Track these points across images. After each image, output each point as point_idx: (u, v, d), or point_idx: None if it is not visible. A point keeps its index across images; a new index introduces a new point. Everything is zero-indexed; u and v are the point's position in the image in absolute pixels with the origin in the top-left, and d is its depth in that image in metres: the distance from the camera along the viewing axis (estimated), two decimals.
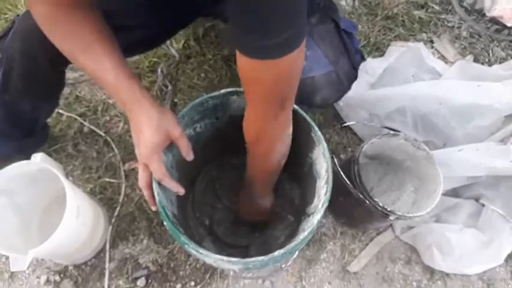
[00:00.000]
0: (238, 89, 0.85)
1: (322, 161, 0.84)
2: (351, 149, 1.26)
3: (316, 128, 0.83)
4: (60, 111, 1.25)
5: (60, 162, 1.18)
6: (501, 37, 1.45)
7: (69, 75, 1.30)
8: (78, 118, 1.24)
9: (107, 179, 1.17)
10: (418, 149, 1.00)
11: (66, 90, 1.27)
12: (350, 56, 0.92)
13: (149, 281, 1.07)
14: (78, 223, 0.94)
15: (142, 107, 0.70)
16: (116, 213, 1.13)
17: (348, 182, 0.93)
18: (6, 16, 1.43)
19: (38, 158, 1.07)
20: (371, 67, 1.32)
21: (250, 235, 1.06)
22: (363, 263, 1.11)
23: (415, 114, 1.19)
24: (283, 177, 1.12)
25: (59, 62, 0.83)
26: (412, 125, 1.21)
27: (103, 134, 1.22)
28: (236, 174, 1.04)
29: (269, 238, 1.04)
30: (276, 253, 0.72)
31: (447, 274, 1.11)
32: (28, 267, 1.05)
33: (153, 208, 0.77)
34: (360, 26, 1.47)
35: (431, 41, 1.46)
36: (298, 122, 0.87)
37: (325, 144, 0.82)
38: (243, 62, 0.58)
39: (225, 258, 0.71)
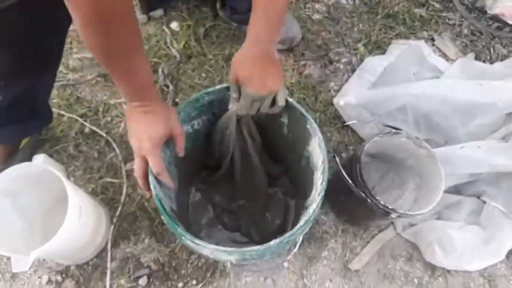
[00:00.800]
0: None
1: (318, 153, 0.85)
2: (352, 147, 1.25)
3: (312, 120, 0.84)
4: (61, 112, 1.25)
5: (62, 162, 1.19)
6: (502, 34, 1.45)
7: (70, 76, 1.30)
8: (79, 119, 1.24)
9: (109, 179, 1.18)
10: (420, 147, 0.99)
11: (67, 91, 1.28)
12: None
13: (151, 280, 1.08)
14: (80, 223, 0.94)
15: (157, 103, 0.77)
16: (117, 213, 1.13)
17: (350, 181, 0.93)
18: None
19: (40, 160, 1.07)
20: (372, 65, 1.32)
21: (250, 235, 1.06)
22: (364, 261, 1.11)
23: (416, 113, 1.19)
24: (281, 172, 1.13)
25: (62, 21, 0.83)
26: (413, 123, 1.21)
27: (104, 135, 1.23)
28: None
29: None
30: (272, 243, 0.72)
31: (448, 271, 1.12)
32: (30, 268, 1.06)
33: (148, 194, 0.79)
34: (360, 25, 1.47)
35: (433, 39, 1.46)
36: (294, 115, 0.88)
37: (320, 135, 0.83)
38: None
39: (221, 248, 0.71)
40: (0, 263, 1.10)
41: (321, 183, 0.81)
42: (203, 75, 1.33)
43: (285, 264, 1.10)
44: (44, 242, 0.84)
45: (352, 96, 1.23)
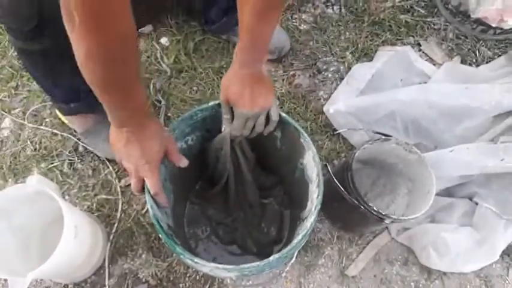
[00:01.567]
0: None
1: (312, 166, 0.86)
2: (343, 154, 1.27)
3: (305, 134, 0.85)
4: (55, 131, 1.26)
5: (56, 181, 1.19)
6: (487, 37, 1.47)
7: None
8: (72, 138, 1.25)
9: (104, 196, 1.18)
10: (410, 152, 1.01)
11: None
12: None
13: None
14: (77, 242, 0.94)
15: (153, 123, 0.77)
16: (114, 230, 1.14)
17: (342, 188, 0.94)
18: None
19: (34, 181, 1.08)
20: (360, 73, 1.33)
21: (246, 246, 1.07)
22: (361, 267, 1.12)
23: (404, 119, 1.20)
24: (276, 184, 1.14)
25: None
26: (402, 129, 1.23)
27: (99, 154, 1.23)
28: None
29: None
30: (271, 258, 0.73)
31: (444, 273, 1.13)
32: None
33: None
34: (347, 33, 1.49)
35: (419, 44, 1.48)
36: (287, 129, 0.89)
37: (314, 149, 0.84)
38: None
39: (220, 266, 0.72)
40: None
41: (317, 197, 0.81)
42: (194, 88, 1.34)
43: (283, 274, 1.11)
44: (41, 262, 0.84)
45: (341, 104, 1.25)
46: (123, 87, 0.66)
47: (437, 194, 1.12)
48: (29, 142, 1.25)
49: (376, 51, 1.43)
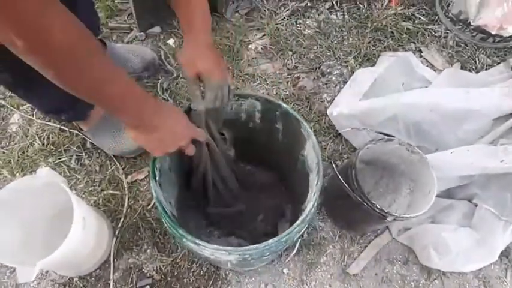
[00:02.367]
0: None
1: (313, 156, 0.88)
2: (346, 155, 1.29)
3: (305, 124, 0.87)
4: (63, 127, 1.28)
5: (64, 176, 1.21)
6: (486, 45, 1.51)
7: None
8: (80, 133, 1.27)
9: (110, 192, 1.20)
10: (412, 153, 1.03)
11: None
12: None
13: None
14: (84, 234, 0.96)
15: (172, 107, 0.78)
16: (119, 224, 1.15)
17: (346, 185, 0.96)
18: None
19: (44, 173, 1.10)
20: (362, 77, 1.36)
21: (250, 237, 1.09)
22: (362, 265, 1.14)
23: (406, 122, 1.23)
24: (277, 178, 1.16)
25: None
26: (404, 132, 1.25)
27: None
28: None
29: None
30: (271, 241, 0.74)
31: (444, 273, 1.14)
32: (33, 281, 1.07)
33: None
34: (350, 39, 1.52)
35: (420, 51, 1.52)
36: (288, 121, 0.91)
37: (314, 139, 0.86)
38: None
39: (221, 247, 0.73)
40: (3, 277, 1.11)
41: (316, 184, 0.83)
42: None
43: (285, 270, 1.13)
44: (46, 255, 0.85)
45: (344, 107, 1.27)
46: (107, 85, 0.62)
47: (438, 195, 1.14)
48: (37, 137, 1.27)
49: (378, 57, 1.47)
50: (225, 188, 1.03)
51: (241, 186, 1.07)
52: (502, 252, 1.12)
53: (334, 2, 1.60)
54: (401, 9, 1.58)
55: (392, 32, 1.53)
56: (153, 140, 0.75)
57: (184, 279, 1.11)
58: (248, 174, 1.18)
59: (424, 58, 1.50)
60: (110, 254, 1.12)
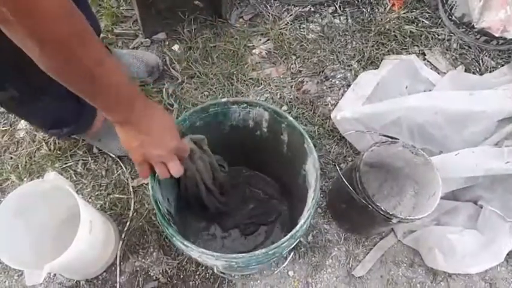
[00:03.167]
0: (238, 98, 0.91)
1: (312, 172, 0.87)
2: (350, 158, 1.30)
3: (309, 140, 0.87)
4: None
5: (70, 180, 1.22)
6: (490, 47, 1.51)
7: None
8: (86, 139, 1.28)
9: (117, 195, 1.21)
10: (417, 155, 1.03)
11: None
12: None
13: None
14: (91, 237, 0.97)
15: (164, 112, 0.76)
16: (126, 228, 1.16)
17: (350, 188, 0.96)
18: None
19: (51, 177, 1.11)
20: (366, 80, 1.37)
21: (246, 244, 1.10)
22: (368, 267, 1.14)
23: (410, 125, 1.23)
24: (276, 191, 1.18)
25: None
26: (408, 135, 1.25)
27: (112, 154, 1.27)
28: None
29: None
30: (257, 252, 0.74)
31: (450, 275, 1.14)
32: (41, 284, 1.08)
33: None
34: (354, 42, 1.53)
35: (423, 54, 1.52)
36: (293, 134, 0.92)
37: (315, 155, 0.85)
38: None
39: (207, 252, 0.73)
40: (11, 280, 1.12)
41: (312, 200, 0.82)
42: (205, 93, 1.38)
43: (290, 273, 1.13)
44: (53, 259, 0.86)
45: (347, 111, 1.27)
46: (90, 73, 0.59)
47: (443, 198, 1.14)
48: (44, 143, 1.29)
49: (381, 60, 1.47)
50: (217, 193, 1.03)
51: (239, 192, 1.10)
52: (508, 254, 1.12)
53: (337, 7, 1.61)
54: (404, 13, 1.58)
55: (395, 36, 1.54)
56: (135, 141, 0.73)
57: (190, 282, 1.11)
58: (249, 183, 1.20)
59: (428, 61, 1.50)
60: (116, 257, 1.13)
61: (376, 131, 1.24)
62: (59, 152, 1.27)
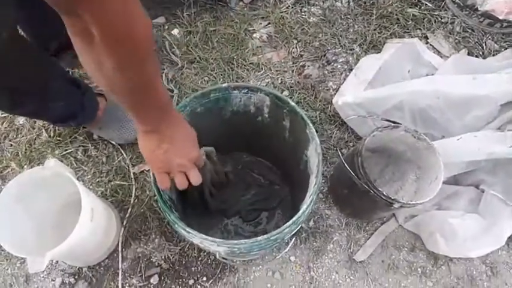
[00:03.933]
0: (240, 83, 0.90)
1: (314, 157, 0.87)
2: (352, 143, 1.29)
3: (311, 125, 0.86)
4: None
5: (71, 167, 1.22)
6: (494, 30, 1.49)
7: None
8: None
9: (118, 182, 1.21)
10: (419, 140, 1.03)
11: None
12: None
13: (162, 278, 1.10)
14: (93, 225, 0.97)
15: (187, 124, 0.78)
16: (127, 215, 1.16)
17: (352, 173, 0.96)
18: None
19: (51, 164, 1.11)
20: (368, 64, 1.35)
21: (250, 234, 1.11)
22: (369, 252, 1.14)
23: (412, 109, 1.22)
24: (278, 177, 1.17)
25: None
26: (410, 119, 1.24)
27: (113, 142, 1.26)
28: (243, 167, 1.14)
29: None
30: (260, 238, 0.74)
31: (451, 259, 1.15)
32: (43, 271, 1.09)
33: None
34: (356, 26, 1.51)
35: (426, 37, 1.50)
36: (295, 119, 0.91)
37: (317, 140, 0.85)
38: None
39: (209, 238, 0.74)
40: (13, 267, 1.13)
41: (314, 186, 0.82)
42: (206, 78, 1.37)
43: (292, 258, 1.13)
44: (55, 246, 0.86)
45: (349, 96, 1.26)
46: (149, 86, 0.63)
47: (444, 182, 1.13)
48: (43, 130, 1.28)
49: (384, 44, 1.45)
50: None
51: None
52: (509, 238, 1.11)
53: None
54: None
55: (398, 19, 1.51)
56: (158, 150, 0.74)
57: (192, 268, 1.12)
58: (251, 168, 1.20)
59: (431, 44, 1.49)
60: (118, 244, 1.14)
61: (378, 116, 1.23)
62: (58, 139, 1.26)
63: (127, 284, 1.10)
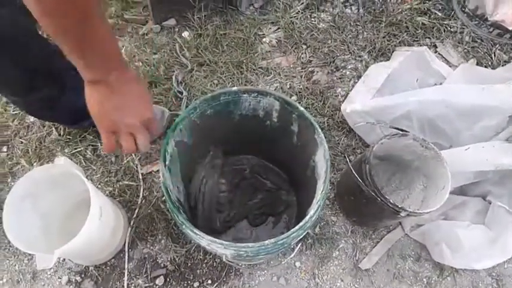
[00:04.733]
0: (249, 87, 0.90)
1: (322, 163, 0.87)
2: (359, 150, 1.29)
3: (320, 130, 0.86)
4: None
5: (80, 166, 1.22)
6: (503, 41, 1.50)
7: None
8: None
9: (126, 182, 1.21)
10: (427, 149, 1.03)
11: None
12: None
13: (168, 279, 1.11)
14: (101, 223, 0.97)
15: (141, 81, 0.71)
16: (135, 215, 1.17)
17: (360, 180, 0.96)
18: None
19: (61, 162, 1.11)
20: (376, 72, 1.36)
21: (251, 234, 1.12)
22: (374, 260, 1.14)
23: (421, 119, 1.22)
24: (285, 181, 1.18)
25: None
26: (418, 129, 1.24)
27: None
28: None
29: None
30: (266, 242, 0.74)
31: (456, 270, 1.15)
32: (50, 269, 1.09)
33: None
34: (365, 33, 1.52)
35: (435, 46, 1.50)
36: (304, 124, 0.91)
37: (326, 146, 0.85)
38: None
39: (217, 240, 0.74)
40: (21, 264, 1.13)
41: (321, 192, 0.82)
42: (215, 81, 1.38)
43: (297, 264, 1.14)
44: (63, 244, 0.86)
45: (358, 104, 1.27)
46: (88, 28, 0.57)
47: (451, 193, 1.13)
48: (53, 128, 1.29)
49: (393, 52, 1.46)
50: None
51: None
52: None
53: None
54: (417, 4, 1.57)
55: (407, 27, 1.52)
56: (107, 103, 0.66)
57: (198, 270, 1.12)
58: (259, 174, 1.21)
59: (439, 53, 1.49)
60: (125, 244, 1.14)
61: (387, 124, 1.24)
62: (68, 137, 1.27)
63: (132, 285, 1.11)
